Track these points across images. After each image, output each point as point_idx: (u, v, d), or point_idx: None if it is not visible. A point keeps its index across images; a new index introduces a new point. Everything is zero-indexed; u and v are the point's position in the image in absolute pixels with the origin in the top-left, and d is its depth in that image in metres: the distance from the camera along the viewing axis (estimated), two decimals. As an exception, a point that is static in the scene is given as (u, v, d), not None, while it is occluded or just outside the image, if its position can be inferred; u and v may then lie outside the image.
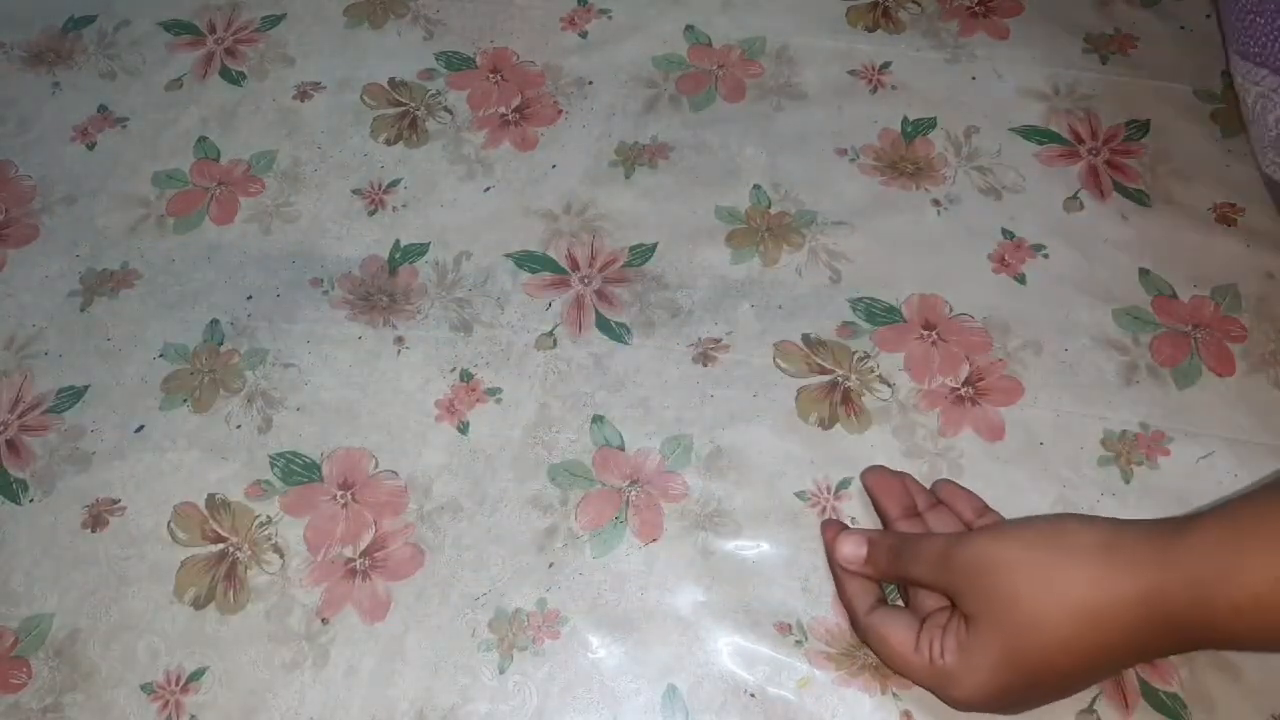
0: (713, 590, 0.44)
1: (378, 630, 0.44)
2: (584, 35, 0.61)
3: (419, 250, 0.54)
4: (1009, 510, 0.43)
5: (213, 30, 0.63)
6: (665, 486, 0.46)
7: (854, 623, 0.41)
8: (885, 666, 0.40)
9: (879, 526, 0.44)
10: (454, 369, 0.50)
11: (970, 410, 0.47)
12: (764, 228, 0.53)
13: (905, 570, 0.39)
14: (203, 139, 0.58)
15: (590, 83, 0.59)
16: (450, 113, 0.58)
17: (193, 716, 0.42)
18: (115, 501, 0.47)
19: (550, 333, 0.51)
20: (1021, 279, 0.51)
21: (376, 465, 0.47)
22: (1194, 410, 0.46)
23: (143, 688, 0.43)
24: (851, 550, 0.41)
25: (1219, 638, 0.33)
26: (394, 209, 0.55)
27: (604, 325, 0.51)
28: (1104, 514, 0.43)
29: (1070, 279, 0.50)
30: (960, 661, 0.36)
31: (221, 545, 0.46)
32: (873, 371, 0.48)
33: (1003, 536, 0.37)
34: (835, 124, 0.56)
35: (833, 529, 0.43)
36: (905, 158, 0.55)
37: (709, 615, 0.43)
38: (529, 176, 0.56)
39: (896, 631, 0.39)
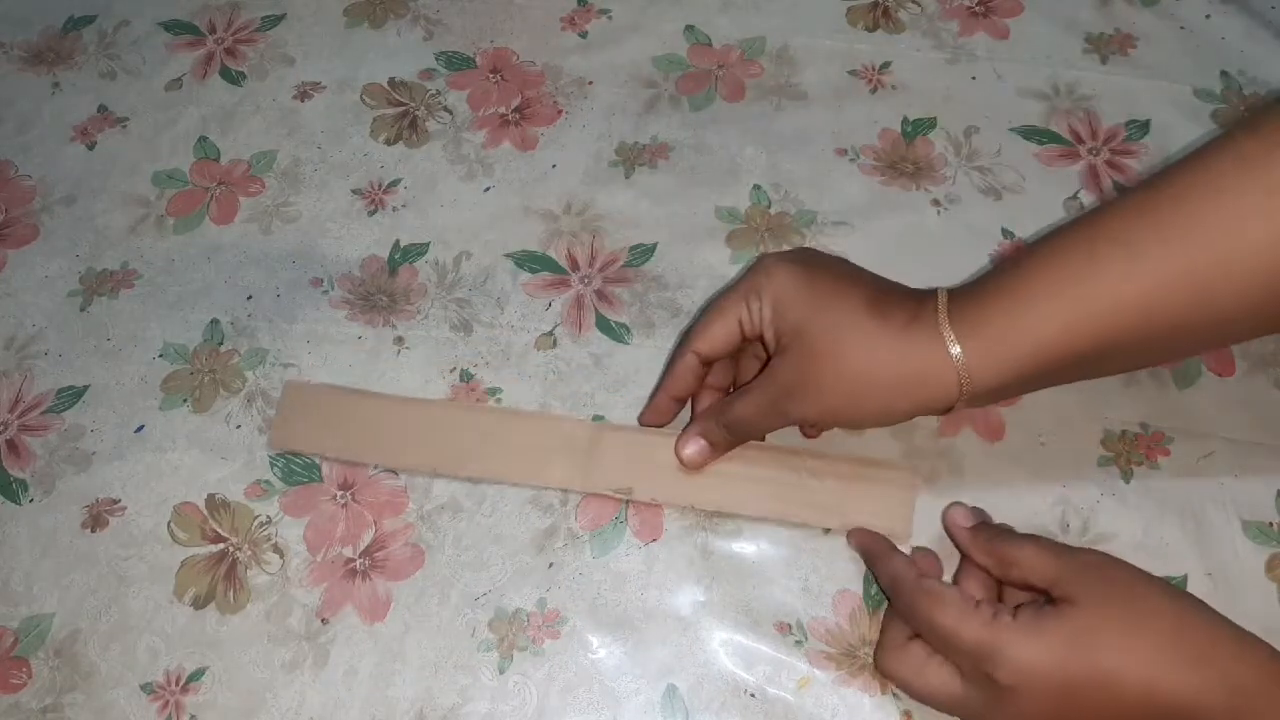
0: (713, 590, 0.44)
1: (378, 630, 0.44)
2: (584, 35, 0.61)
3: (419, 250, 0.54)
4: (1009, 510, 0.43)
5: (213, 30, 0.63)
6: (665, 486, 0.46)
7: (899, 588, 0.40)
8: (928, 629, 0.38)
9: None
10: (454, 369, 0.50)
11: (971, 410, 0.47)
12: (764, 228, 0.53)
13: (1008, 550, 0.39)
14: (203, 139, 0.58)
15: (590, 83, 0.59)
16: (450, 113, 0.58)
17: (193, 716, 0.42)
18: (115, 501, 0.47)
19: (550, 333, 0.51)
20: (1021, 279, 0.50)
21: (376, 465, 0.47)
22: (1194, 410, 0.46)
23: (143, 688, 0.43)
24: (961, 514, 0.42)
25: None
26: (394, 209, 0.55)
27: (604, 325, 0.51)
28: (1104, 514, 0.44)
29: (1070, 279, 0.50)
30: (1032, 623, 0.36)
31: (221, 545, 0.46)
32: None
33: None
34: (835, 124, 0.56)
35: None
36: (905, 158, 0.55)
37: (709, 615, 0.43)
38: (529, 176, 0.56)
39: (954, 590, 0.38)
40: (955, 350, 0.38)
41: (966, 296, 0.39)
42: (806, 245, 0.52)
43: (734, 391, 0.44)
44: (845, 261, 0.43)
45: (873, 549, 0.43)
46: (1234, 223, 0.35)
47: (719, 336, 0.43)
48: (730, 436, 0.44)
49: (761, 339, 0.42)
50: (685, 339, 0.44)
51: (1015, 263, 0.39)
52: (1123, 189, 0.38)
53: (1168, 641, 0.35)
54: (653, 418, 0.46)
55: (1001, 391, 0.39)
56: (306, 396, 0.48)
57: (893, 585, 0.40)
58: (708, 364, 0.44)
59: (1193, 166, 0.37)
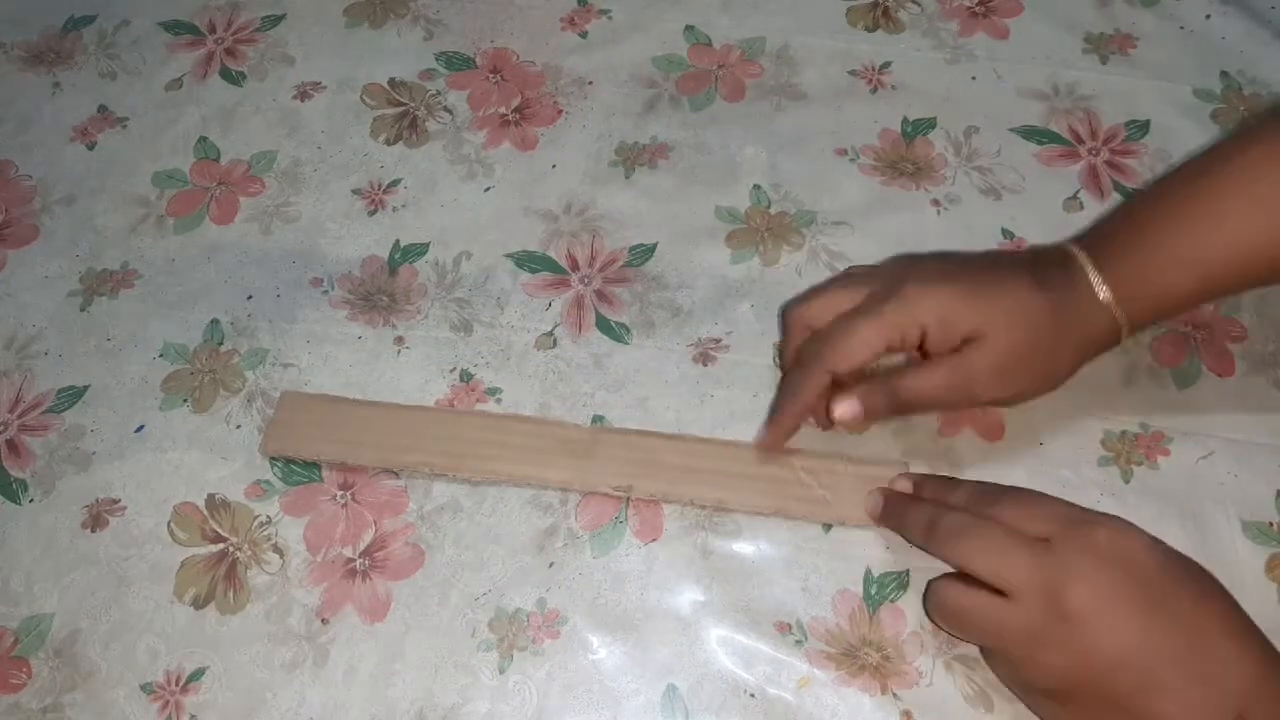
0: (713, 590, 0.44)
1: (378, 630, 0.44)
2: (584, 35, 0.61)
3: (419, 250, 0.54)
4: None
5: (213, 30, 0.63)
6: (665, 486, 0.46)
7: (935, 536, 0.40)
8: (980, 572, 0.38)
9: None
10: (454, 369, 0.50)
11: (970, 410, 0.47)
12: (764, 228, 0.53)
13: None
14: (203, 139, 0.58)
15: (590, 83, 0.59)
16: (450, 113, 0.58)
17: (193, 716, 0.42)
18: (115, 501, 0.47)
19: (550, 333, 0.51)
20: (1021, 279, 0.51)
21: (373, 469, 0.47)
22: (1194, 410, 0.46)
23: (143, 688, 0.43)
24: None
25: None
26: (394, 209, 0.55)
27: (604, 325, 0.51)
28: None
29: (1070, 279, 0.50)
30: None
31: (221, 545, 0.46)
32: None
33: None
34: (835, 124, 0.56)
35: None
36: (905, 158, 0.55)
37: (709, 615, 0.43)
38: (529, 176, 0.56)
39: (993, 527, 0.39)
40: (1110, 299, 0.42)
41: (1105, 253, 0.42)
42: (807, 246, 0.52)
43: (907, 367, 0.43)
44: (966, 254, 0.46)
45: (891, 510, 0.43)
46: None
47: (859, 358, 0.42)
48: (892, 407, 0.43)
49: (919, 348, 0.43)
50: (818, 355, 0.42)
51: (1142, 211, 0.43)
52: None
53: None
54: (779, 439, 0.45)
55: (1159, 318, 0.44)
56: (302, 404, 0.48)
57: (927, 537, 0.40)
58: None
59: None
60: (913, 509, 0.42)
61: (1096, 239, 0.44)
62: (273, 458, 0.47)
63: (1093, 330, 0.42)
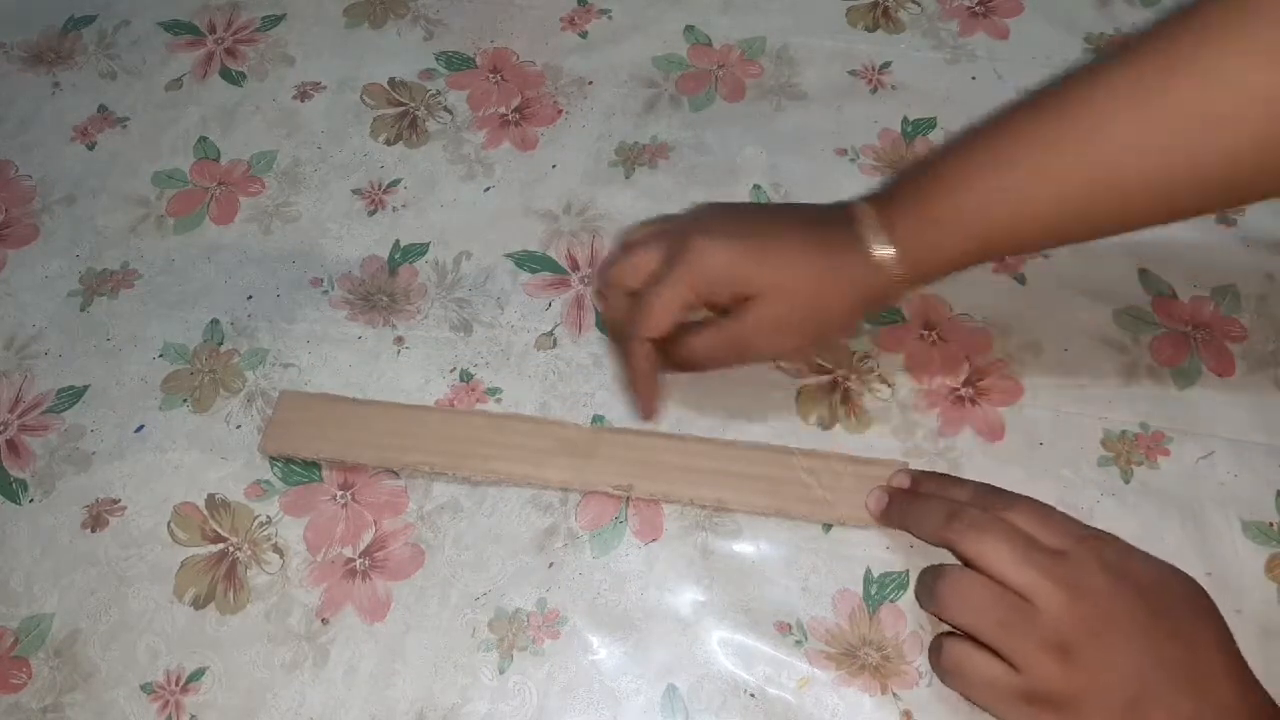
0: (713, 590, 0.44)
1: (378, 630, 0.44)
2: (584, 35, 0.61)
3: (419, 250, 0.54)
4: (1009, 510, 0.43)
5: (213, 30, 0.63)
6: (665, 486, 0.46)
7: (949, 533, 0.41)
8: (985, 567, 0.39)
9: (883, 528, 0.44)
10: (454, 369, 0.50)
11: (970, 410, 0.47)
12: (764, 228, 0.53)
13: None
14: (203, 139, 0.58)
15: (590, 83, 0.59)
16: (450, 113, 0.58)
17: (193, 716, 0.42)
18: (115, 501, 0.47)
19: (550, 333, 0.51)
20: (1021, 279, 0.51)
21: (373, 468, 0.47)
22: (1194, 410, 0.46)
23: (143, 688, 0.43)
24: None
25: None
26: (394, 209, 0.55)
27: (604, 325, 0.51)
28: (1104, 514, 0.44)
29: (1070, 279, 0.50)
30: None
31: (221, 545, 0.46)
32: (873, 371, 0.48)
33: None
34: (835, 124, 0.56)
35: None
36: (905, 157, 0.55)
37: (709, 615, 0.43)
38: (529, 176, 0.56)
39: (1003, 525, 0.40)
40: (888, 255, 0.42)
41: (890, 208, 0.43)
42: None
43: (689, 329, 0.45)
44: (760, 206, 0.49)
45: (897, 506, 0.43)
46: (1120, 140, 0.38)
47: (666, 322, 0.44)
48: (679, 367, 0.46)
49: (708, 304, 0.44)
50: (631, 327, 0.45)
51: (928, 172, 0.43)
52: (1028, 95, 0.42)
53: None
54: (649, 406, 0.47)
55: (937, 276, 0.43)
56: (301, 403, 0.48)
57: (945, 528, 0.40)
58: None
59: (1089, 77, 0.39)
60: (924, 503, 0.42)
61: (889, 192, 0.44)
62: (273, 457, 0.47)
63: (871, 287, 0.43)
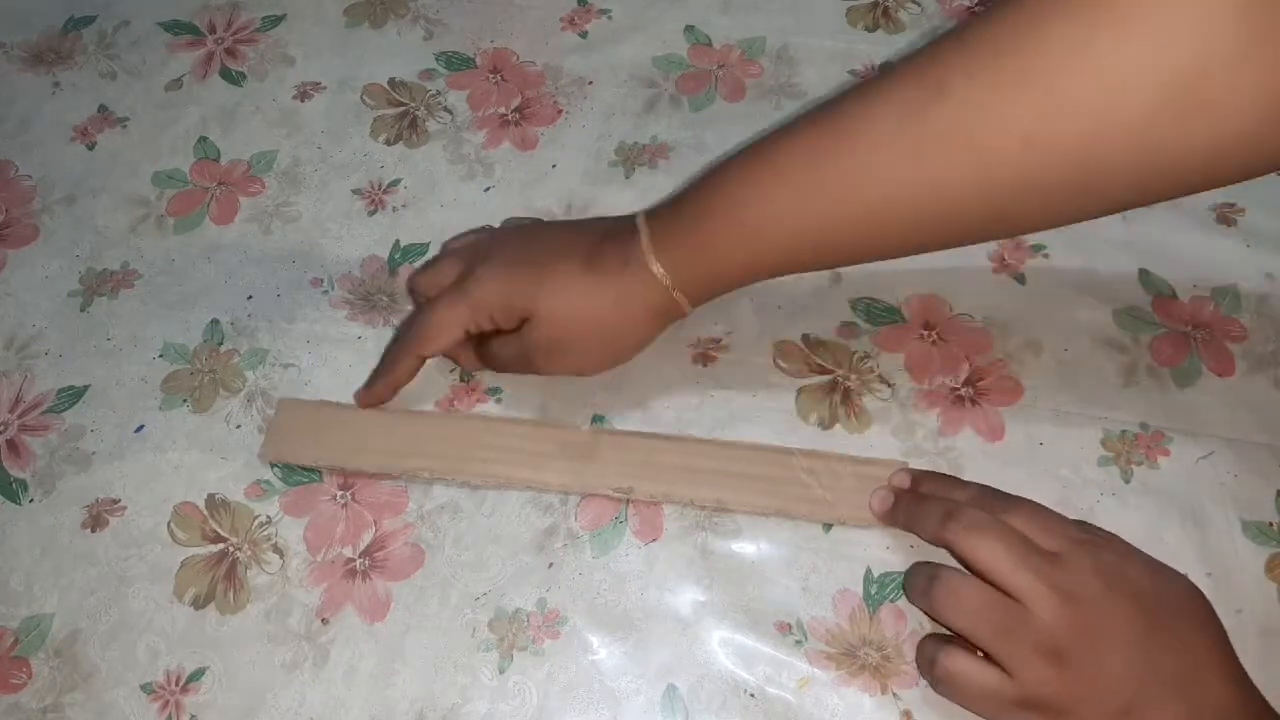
0: (713, 590, 0.44)
1: (378, 630, 0.44)
2: (584, 35, 0.61)
3: (419, 250, 0.54)
4: (1009, 510, 0.43)
5: (213, 30, 0.63)
6: (665, 486, 0.46)
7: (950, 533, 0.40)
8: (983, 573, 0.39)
9: (883, 527, 0.44)
10: (454, 369, 0.50)
11: (970, 410, 0.47)
12: (764, 228, 0.53)
13: None
14: (203, 139, 0.58)
15: (590, 83, 0.59)
16: (450, 113, 0.58)
17: (193, 716, 0.42)
18: (115, 501, 0.47)
19: (550, 333, 0.51)
20: (1021, 279, 0.51)
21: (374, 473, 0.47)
22: (1194, 410, 0.46)
23: (143, 688, 0.43)
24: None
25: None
26: (394, 209, 0.55)
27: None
28: (1104, 514, 0.44)
29: (1070, 279, 0.50)
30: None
31: (221, 545, 0.46)
32: (873, 371, 0.48)
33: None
34: (835, 124, 0.56)
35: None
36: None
37: (709, 615, 0.43)
38: (529, 176, 0.56)
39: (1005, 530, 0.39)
40: (666, 280, 0.43)
41: (666, 228, 0.44)
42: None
43: (497, 338, 0.47)
44: (553, 226, 0.50)
45: (900, 506, 0.43)
46: (885, 169, 0.38)
47: (444, 343, 0.46)
48: (479, 365, 0.48)
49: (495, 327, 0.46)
50: (408, 340, 0.47)
51: (706, 189, 0.43)
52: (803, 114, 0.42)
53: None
54: (371, 401, 0.48)
55: (719, 293, 0.45)
56: (300, 410, 0.49)
57: (943, 527, 0.40)
58: None
59: (861, 95, 0.39)
60: (926, 503, 0.42)
61: (667, 211, 0.44)
62: (272, 463, 0.47)
63: (650, 306, 0.44)
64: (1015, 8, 0.35)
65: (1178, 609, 0.38)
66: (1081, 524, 0.41)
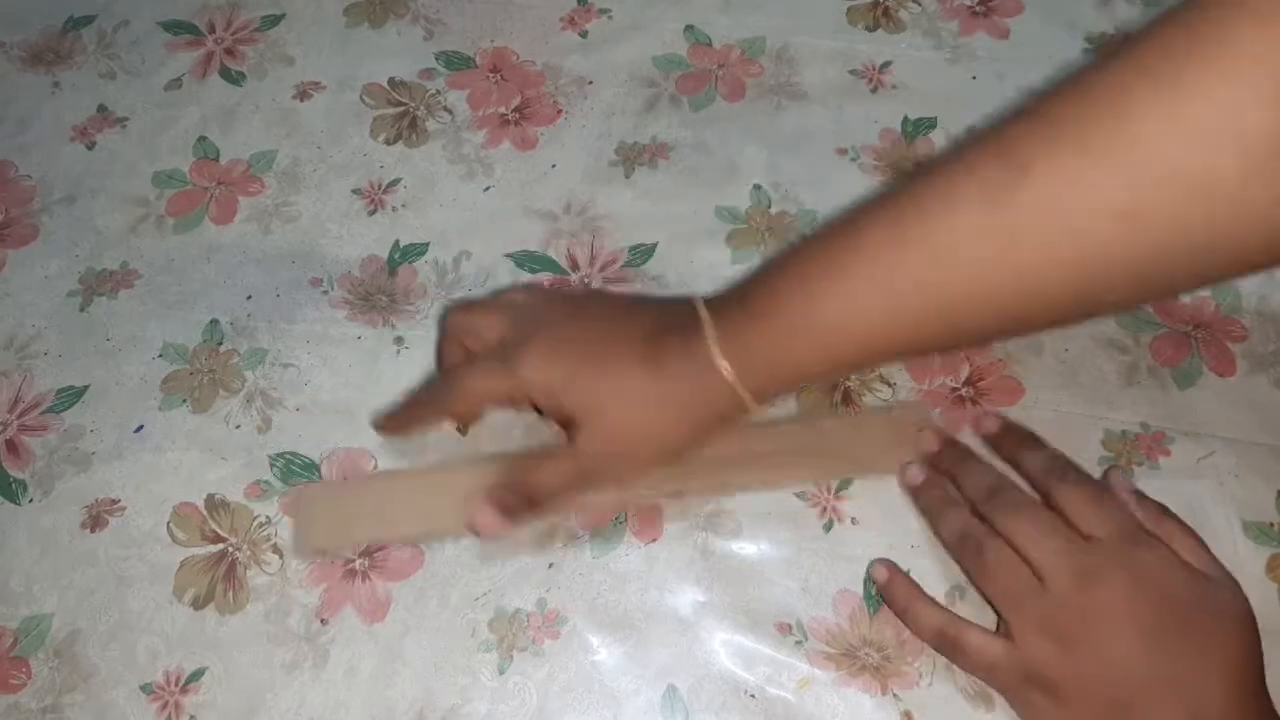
0: (713, 590, 0.44)
1: (377, 630, 0.44)
2: (584, 35, 0.61)
3: (419, 250, 0.54)
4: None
5: (212, 30, 0.63)
6: (665, 486, 0.46)
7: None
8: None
9: (884, 527, 0.44)
10: (454, 369, 0.50)
11: (970, 410, 0.47)
12: (764, 227, 0.53)
13: None
14: (202, 139, 0.58)
15: (590, 83, 0.59)
16: (450, 112, 0.58)
17: (192, 717, 0.42)
18: (115, 501, 0.47)
19: (550, 333, 0.50)
20: (1022, 279, 0.50)
21: (376, 465, 0.47)
22: (1194, 410, 0.46)
23: (142, 688, 0.43)
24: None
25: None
26: (394, 209, 0.55)
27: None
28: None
29: (1070, 279, 0.50)
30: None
31: (221, 545, 0.46)
32: (873, 371, 0.48)
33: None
34: (835, 124, 0.56)
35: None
36: (906, 157, 0.55)
37: (709, 615, 0.43)
38: (529, 176, 0.56)
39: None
40: (731, 377, 0.39)
41: (733, 322, 0.40)
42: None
43: (530, 458, 0.43)
44: (608, 303, 0.44)
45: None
46: (971, 256, 0.35)
47: (475, 412, 0.44)
48: (530, 506, 0.42)
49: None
50: (440, 397, 0.44)
51: (775, 278, 0.40)
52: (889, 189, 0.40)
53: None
54: (389, 428, 0.46)
55: (786, 391, 0.44)
56: (321, 496, 0.46)
57: (985, 500, 0.42)
58: None
59: (939, 177, 0.37)
60: (977, 468, 0.43)
61: (731, 302, 0.41)
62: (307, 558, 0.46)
63: (713, 406, 0.40)
64: (1094, 81, 0.34)
65: (1202, 617, 0.38)
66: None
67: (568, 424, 0.41)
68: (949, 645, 0.40)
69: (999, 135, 0.35)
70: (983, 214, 0.35)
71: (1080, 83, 0.34)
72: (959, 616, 0.41)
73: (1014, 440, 0.45)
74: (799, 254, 0.40)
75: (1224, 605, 0.39)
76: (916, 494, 0.44)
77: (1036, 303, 0.36)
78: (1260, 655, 0.38)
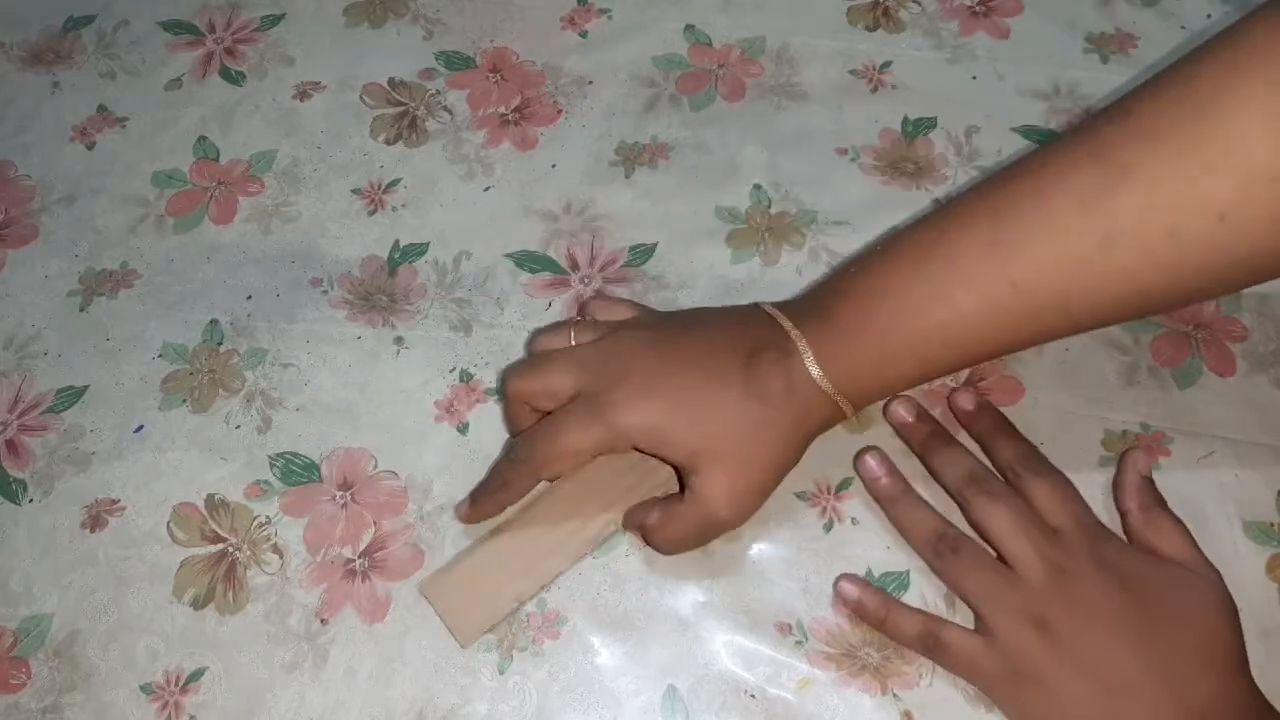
0: (713, 590, 0.44)
1: (377, 631, 0.44)
2: (584, 35, 0.61)
3: (419, 250, 0.54)
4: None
5: (212, 30, 0.63)
6: (665, 486, 0.46)
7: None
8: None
9: (884, 527, 0.44)
10: (454, 369, 0.50)
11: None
12: (764, 227, 0.53)
13: None
14: (202, 139, 0.58)
15: (590, 82, 0.59)
16: (450, 112, 0.58)
17: (192, 717, 0.42)
18: (115, 501, 0.47)
19: (550, 333, 0.50)
20: (1022, 279, 0.50)
21: (376, 465, 0.47)
22: (1194, 410, 0.46)
23: (142, 688, 0.43)
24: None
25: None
26: (394, 209, 0.55)
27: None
28: (1105, 515, 0.44)
29: (1071, 279, 0.50)
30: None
31: (221, 545, 0.46)
32: None
33: None
34: (835, 124, 0.56)
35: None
36: (906, 157, 0.55)
37: (709, 615, 0.43)
38: (529, 176, 0.56)
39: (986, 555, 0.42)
40: (834, 392, 0.40)
41: (823, 335, 0.40)
42: (807, 246, 0.52)
43: (649, 506, 0.42)
44: (690, 333, 0.42)
45: (929, 439, 0.45)
46: (1072, 260, 0.36)
47: (568, 467, 0.42)
48: (662, 551, 0.43)
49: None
50: (529, 460, 0.42)
51: (866, 284, 0.41)
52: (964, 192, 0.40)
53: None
54: (475, 519, 0.44)
55: (882, 397, 0.43)
56: (446, 583, 0.44)
57: (964, 486, 0.43)
58: None
59: (1027, 179, 0.37)
60: (955, 451, 0.44)
61: (810, 313, 0.41)
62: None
63: (815, 418, 0.41)
64: (1188, 80, 0.34)
65: (1175, 602, 0.39)
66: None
67: (679, 466, 0.41)
68: (932, 646, 0.40)
69: (1094, 137, 0.36)
70: (1080, 216, 0.35)
71: (1173, 84, 0.35)
72: (937, 616, 0.41)
73: (988, 423, 0.45)
74: (880, 261, 0.40)
75: (1197, 590, 0.39)
76: (883, 502, 0.44)
77: (1132, 300, 0.37)
78: (1241, 638, 0.39)
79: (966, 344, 0.39)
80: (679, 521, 0.41)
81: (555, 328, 0.45)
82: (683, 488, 0.41)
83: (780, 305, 0.43)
